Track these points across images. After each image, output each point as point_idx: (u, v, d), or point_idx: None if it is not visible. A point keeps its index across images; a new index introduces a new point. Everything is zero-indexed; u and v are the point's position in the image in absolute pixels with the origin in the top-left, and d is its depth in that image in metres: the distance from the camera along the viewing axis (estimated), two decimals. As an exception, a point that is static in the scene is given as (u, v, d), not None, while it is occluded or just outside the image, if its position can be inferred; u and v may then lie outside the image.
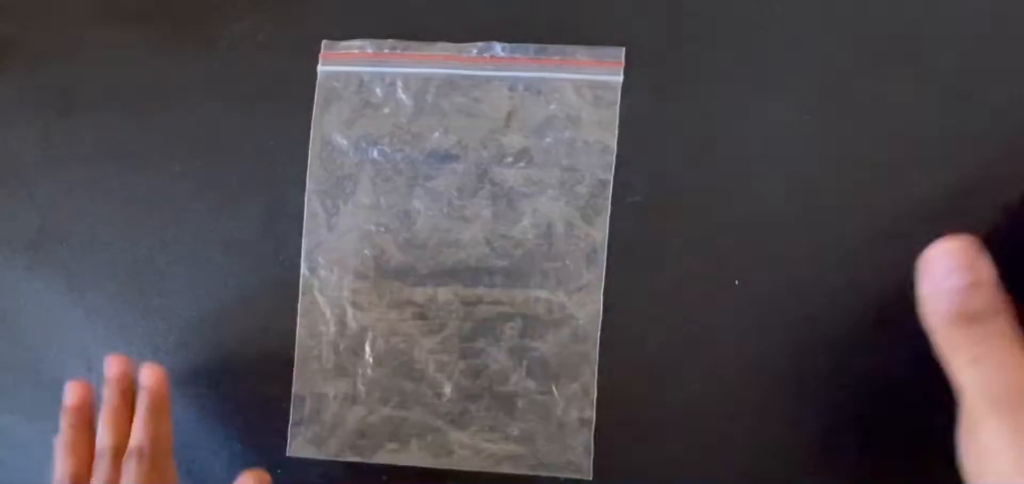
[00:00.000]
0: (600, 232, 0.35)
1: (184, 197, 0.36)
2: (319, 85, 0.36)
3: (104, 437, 0.32)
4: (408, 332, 0.35)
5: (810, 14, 0.35)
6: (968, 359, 0.24)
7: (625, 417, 0.35)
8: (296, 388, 0.36)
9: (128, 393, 0.33)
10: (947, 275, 0.25)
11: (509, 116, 0.35)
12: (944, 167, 0.34)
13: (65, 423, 0.32)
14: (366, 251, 0.35)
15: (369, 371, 0.35)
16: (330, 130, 0.35)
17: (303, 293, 0.36)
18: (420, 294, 0.35)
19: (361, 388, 0.35)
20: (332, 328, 0.36)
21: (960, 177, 0.33)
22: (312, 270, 0.36)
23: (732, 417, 0.35)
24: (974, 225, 0.25)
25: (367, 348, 0.35)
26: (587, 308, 0.35)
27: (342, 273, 0.35)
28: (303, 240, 0.35)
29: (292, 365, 0.36)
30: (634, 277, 0.35)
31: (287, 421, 0.35)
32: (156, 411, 0.32)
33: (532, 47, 0.35)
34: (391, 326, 0.35)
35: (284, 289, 0.36)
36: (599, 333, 0.35)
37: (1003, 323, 0.24)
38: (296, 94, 0.35)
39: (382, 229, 0.35)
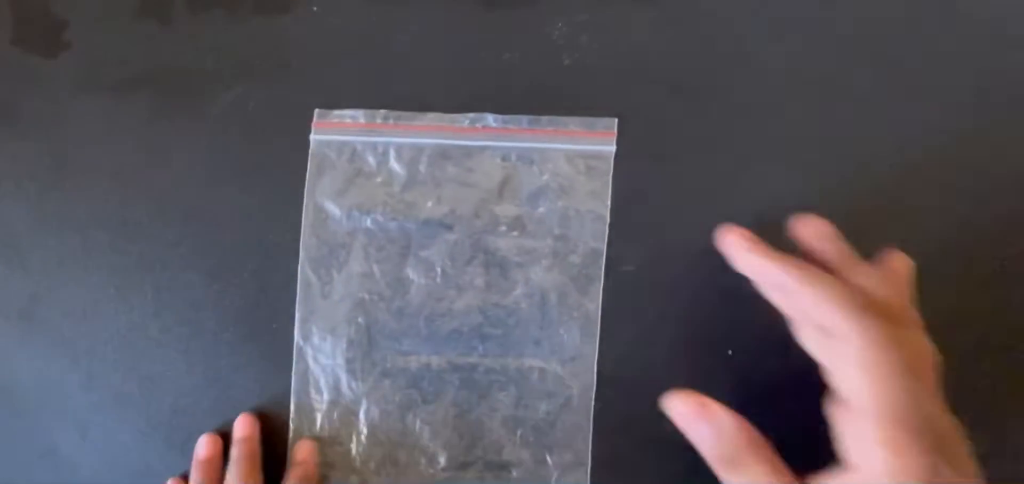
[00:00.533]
0: (594, 302, 0.35)
1: (177, 265, 0.36)
2: (312, 154, 0.35)
3: None
4: (402, 401, 0.35)
5: (805, 82, 0.35)
6: None
7: (624, 478, 0.35)
8: (289, 457, 0.36)
9: (256, 455, 0.35)
10: (689, 430, 0.29)
11: (502, 185, 0.35)
12: (945, 234, 0.34)
13: (196, 475, 0.35)
14: (359, 320, 0.35)
15: (363, 439, 0.35)
16: (323, 199, 0.35)
17: (297, 362, 0.36)
18: (414, 362, 0.35)
19: (355, 457, 0.35)
20: (326, 396, 0.35)
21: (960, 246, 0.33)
22: (305, 339, 0.36)
23: None
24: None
25: (361, 416, 0.35)
26: (581, 378, 0.35)
27: (335, 342, 0.35)
28: (296, 309, 0.35)
29: (287, 432, 0.36)
30: (628, 346, 0.35)
31: (280, 491, 0.35)
32: (251, 460, 0.35)
33: (524, 118, 0.35)
34: (385, 394, 0.35)
35: (278, 356, 0.36)
36: (593, 403, 0.35)
37: (750, 459, 0.28)
38: (288, 162, 0.35)
39: (375, 297, 0.35)
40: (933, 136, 0.35)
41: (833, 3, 0.36)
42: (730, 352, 0.35)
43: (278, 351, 0.36)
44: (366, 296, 0.35)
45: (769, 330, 0.35)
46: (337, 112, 0.36)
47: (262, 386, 0.36)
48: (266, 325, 0.36)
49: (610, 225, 0.35)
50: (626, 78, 0.35)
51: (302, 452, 0.35)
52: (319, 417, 0.35)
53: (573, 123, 0.35)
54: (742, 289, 0.34)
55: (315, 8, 0.36)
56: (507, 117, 0.35)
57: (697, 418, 0.29)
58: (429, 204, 0.35)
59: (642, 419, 0.35)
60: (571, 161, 0.35)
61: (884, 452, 0.25)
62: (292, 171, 0.35)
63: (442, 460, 0.35)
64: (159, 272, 0.36)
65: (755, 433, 0.29)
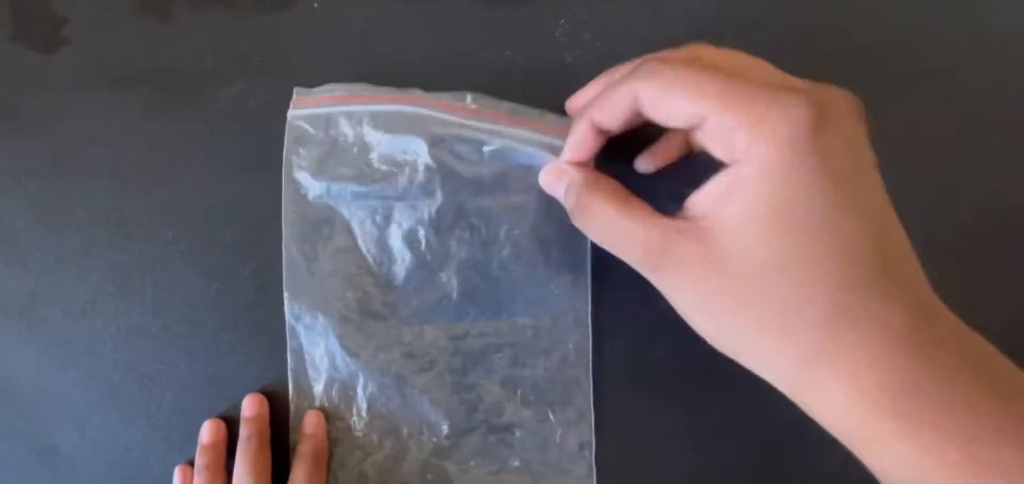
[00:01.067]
0: (582, 254, 0.34)
1: (177, 263, 0.36)
2: (288, 129, 0.35)
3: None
4: (399, 372, 0.35)
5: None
6: (602, 244, 0.28)
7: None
8: (293, 438, 0.35)
9: (265, 434, 0.35)
10: (558, 195, 0.30)
11: (480, 145, 0.34)
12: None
13: (201, 460, 0.35)
14: (348, 294, 0.35)
15: (364, 413, 0.35)
16: (301, 173, 0.35)
17: (290, 340, 0.35)
18: (407, 333, 0.35)
19: (357, 432, 0.35)
20: (323, 373, 0.35)
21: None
22: (297, 318, 0.35)
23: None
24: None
25: (359, 391, 0.35)
26: (575, 331, 0.35)
27: (327, 318, 0.35)
28: (284, 288, 0.35)
29: (288, 414, 0.36)
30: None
31: (287, 472, 0.35)
32: (260, 438, 0.35)
33: (506, 105, 0.34)
34: (381, 367, 0.35)
35: (278, 355, 0.36)
36: (590, 355, 0.35)
37: (598, 200, 0.28)
38: (289, 160, 0.35)
39: (363, 271, 0.35)
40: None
41: (832, 4, 0.36)
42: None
43: (278, 350, 0.36)
44: (353, 270, 0.35)
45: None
46: (317, 89, 0.35)
47: (262, 385, 0.36)
48: (266, 324, 0.36)
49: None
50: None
51: (311, 424, 0.35)
52: (318, 394, 0.35)
53: (552, 118, 0.33)
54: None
55: (316, 5, 0.36)
56: (486, 100, 0.34)
57: (553, 181, 0.30)
58: (407, 171, 0.34)
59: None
60: (551, 149, 0.33)
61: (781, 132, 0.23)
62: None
63: (445, 428, 0.35)
64: (159, 271, 0.36)
65: (601, 177, 0.29)
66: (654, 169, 0.33)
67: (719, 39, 0.28)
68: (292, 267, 0.35)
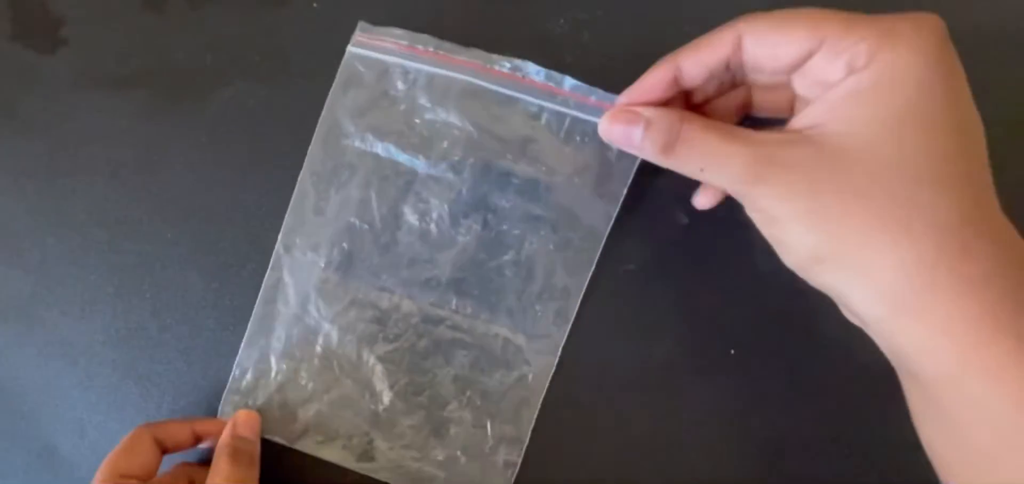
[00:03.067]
0: (578, 287, 0.34)
1: (176, 263, 0.36)
2: (343, 65, 0.34)
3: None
4: (363, 333, 0.35)
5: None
6: (697, 173, 0.27)
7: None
8: (240, 357, 0.35)
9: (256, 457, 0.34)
10: (627, 140, 0.28)
11: (524, 143, 0.34)
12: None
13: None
14: (344, 244, 0.35)
15: (315, 361, 0.35)
16: (342, 114, 0.34)
17: (272, 269, 0.35)
18: (386, 299, 0.35)
19: (303, 376, 0.35)
20: (292, 310, 0.35)
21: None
22: (287, 249, 0.35)
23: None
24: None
25: (319, 339, 0.35)
26: (542, 358, 0.35)
27: (315, 259, 0.35)
28: (286, 217, 0.35)
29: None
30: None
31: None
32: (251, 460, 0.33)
33: (569, 81, 0.33)
34: (348, 324, 0.35)
35: (278, 355, 0.36)
36: (547, 387, 0.35)
37: (694, 127, 0.26)
38: (288, 160, 0.35)
39: (365, 227, 0.35)
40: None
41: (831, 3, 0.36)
42: (732, 351, 0.34)
43: (278, 350, 0.36)
44: (356, 222, 0.35)
45: (772, 329, 0.34)
46: (383, 29, 0.34)
47: (262, 385, 0.36)
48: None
49: (618, 217, 0.34)
50: (628, 76, 0.35)
51: (247, 424, 0.34)
52: (278, 328, 0.35)
53: (605, 96, 0.33)
54: (745, 287, 0.34)
55: (315, 5, 0.36)
56: (550, 73, 0.33)
57: (624, 126, 0.28)
58: (444, 144, 0.34)
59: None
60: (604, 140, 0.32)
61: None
62: (292, 169, 0.35)
63: (386, 399, 0.35)
64: (158, 271, 0.36)
65: (685, 112, 0.27)
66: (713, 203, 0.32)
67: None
68: (301, 199, 0.35)
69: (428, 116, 0.34)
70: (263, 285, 0.35)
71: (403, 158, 0.34)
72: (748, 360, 0.34)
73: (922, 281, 0.23)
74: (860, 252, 0.23)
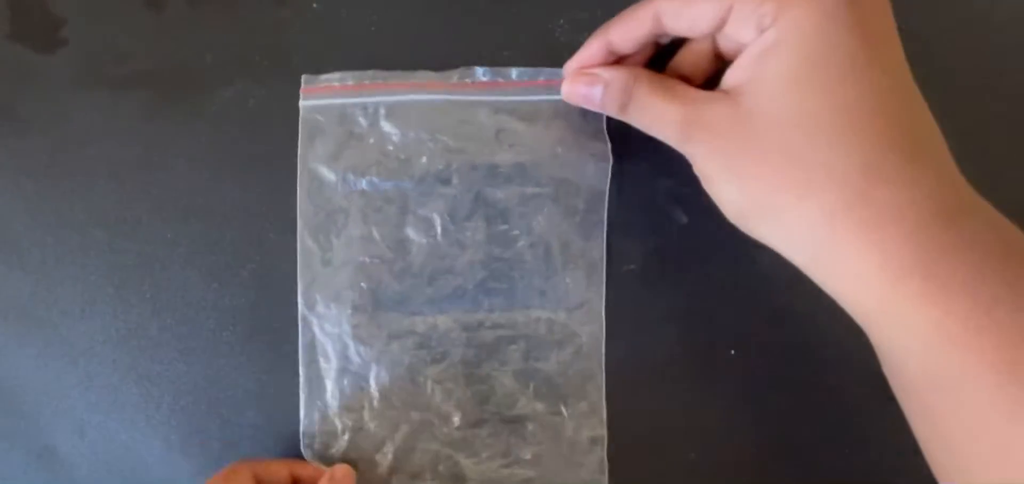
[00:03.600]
0: (598, 247, 0.35)
1: (176, 264, 0.36)
2: (302, 120, 0.35)
3: None
4: (411, 363, 0.35)
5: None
6: (647, 129, 0.28)
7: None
8: (303, 428, 0.35)
9: None
10: (588, 99, 0.30)
11: (498, 134, 0.34)
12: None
13: None
14: (363, 284, 0.35)
15: (376, 404, 0.35)
16: (316, 164, 0.35)
17: (302, 332, 0.35)
18: (420, 323, 0.35)
19: (369, 422, 0.35)
20: (334, 364, 0.35)
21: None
22: (310, 307, 0.35)
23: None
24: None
25: (372, 381, 0.35)
26: (589, 326, 0.35)
27: (340, 308, 0.35)
28: (298, 278, 0.35)
29: (294, 424, 0.35)
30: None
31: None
32: None
33: (513, 70, 0.34)
34: (394, 358, 0.35)
35: (280, 354, 0.36)
36: (603, 350, 0.34)
37: (642, 89, 0.28)
38: (288, 160, 0.35)
39: (377, 260, 0.35)
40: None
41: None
42: (732, 352, 0.34)
43: (279, 350, 0.36)
44: (367, 260, 0.35)
45: (772, 329, 0.35)
46: (325, 76, 0.35)
47: (263, 386, 0.36)
48: (266, 324, 0.36)
49: (610, 225, 0.34)
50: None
51: (343, 479, 0.34)
52: (329, 385, 0.35)
53: (560, 74, 0.33)
54: (746, 287, 0.34)
55: (315, 4, 0.36)
56: (497, 70, 0.34)
57: (585, 87, 0.30)
58: (423, 160, 0.34)
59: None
60: (558, 112, 0.34)
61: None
62: (293, 170, 0.35)
63: (456, 419, 0.35)
64: (158, 271, 0.36)
65: (638, 68, 0.29)
66: None
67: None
68: (306, 256, 0.35)
69: (399, 140, 0.35)
70: (300, 350, 0.35)
71: (389, 185, 0.35)
72: (748, 360, 0.34)
73: (825, 233, 0.24)
74: (773, 208, 0.25)
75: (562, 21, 0.35)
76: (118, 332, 0.36)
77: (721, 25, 0.26)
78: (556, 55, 0.34)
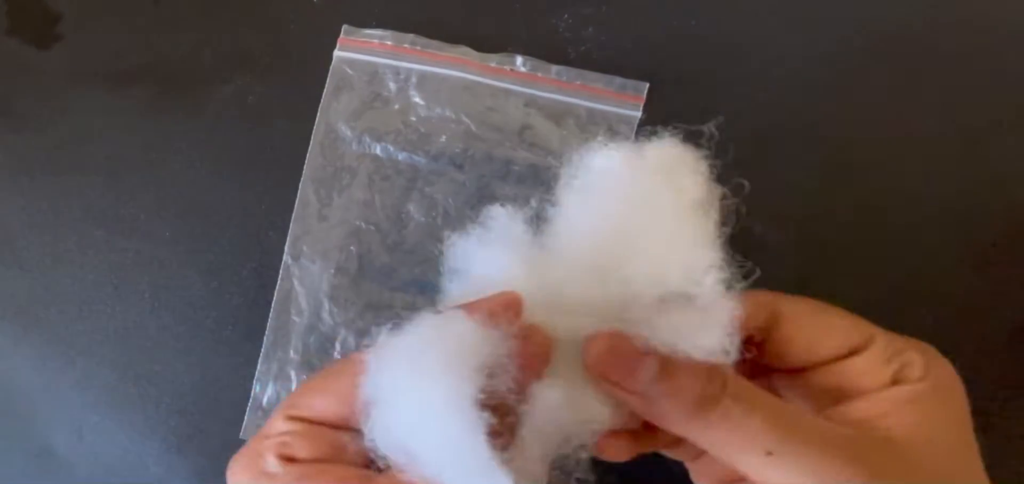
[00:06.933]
0: None
1: (174, 262, 0.36)
2: (332, 70, 0.34)
3: None
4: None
5: (807, 76, 0.34)
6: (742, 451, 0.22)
7: None
8: (258, 373, 0.35)
9: None
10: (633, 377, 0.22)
11: (522, 130, 0.34)
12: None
13: None
14: (352, 248, 0.34)
15: None
16: (336, 119, 0.34)
17: (282, 279, 0.35)
18: (399, 300, 0.34)
19: None
20: (306, 320, 0.35)
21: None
22: (295, 258, 0.35)
23: None
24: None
25: (337, 345, 0.34)
26: None
27: (324, 265, 0.34)
28: (291, 226, 0.35)
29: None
30: None
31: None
32: None
33: (554, 67, 0.34)
34: (364, 328, 0.34)
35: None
36: None
37: (756, 422, 0.22)
38: (288, 158, 0.35)
39: (372, 228, 0.34)
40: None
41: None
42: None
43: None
44: (363, 225, 0.34)
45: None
46: (366, 31, 0.34)
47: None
48: (265, 323, 0.35)
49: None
50: (631, 71, 0.35)
51: None
52: (294, 338, 0.35)
53: (602, 81, 0.34)
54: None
55: (315, 1, 0.35)
56: (536, 63, 0.34)
57: (631, 365, 0.22)
58: (443, 139, 0.34)
59: None
60: (593, 119, 0.34)
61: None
62: (293, 167, 0.35)
63: None
64: (156, 269, 0.36)
65: (741, 379, 0.23)
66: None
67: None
68: (304, 207, 0.34)
69: (424, 113, 0.34)
70: (274, 298, 0.35)
71: (403, 156, 0.34)
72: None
73: None
74: None
75: (566, 16, 0.35)
76: (116, 332, 0.36)
77: (851, 351, 0.25)
78: (561, 49, 0.34)
